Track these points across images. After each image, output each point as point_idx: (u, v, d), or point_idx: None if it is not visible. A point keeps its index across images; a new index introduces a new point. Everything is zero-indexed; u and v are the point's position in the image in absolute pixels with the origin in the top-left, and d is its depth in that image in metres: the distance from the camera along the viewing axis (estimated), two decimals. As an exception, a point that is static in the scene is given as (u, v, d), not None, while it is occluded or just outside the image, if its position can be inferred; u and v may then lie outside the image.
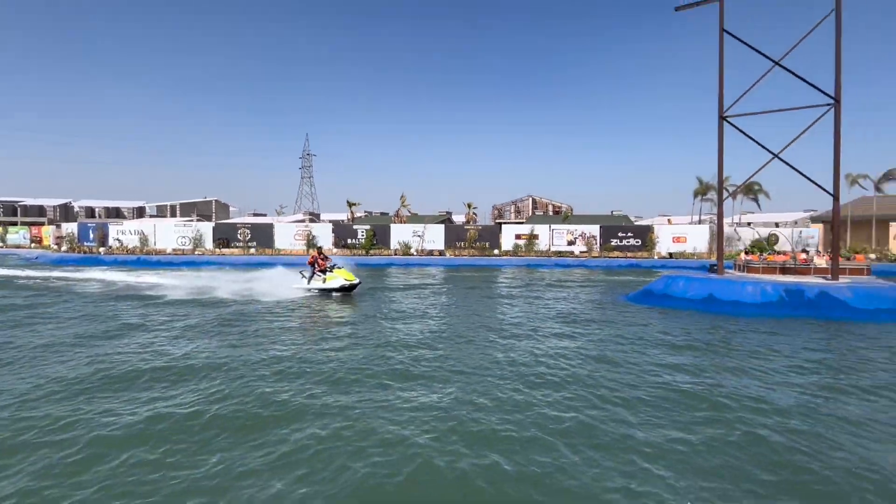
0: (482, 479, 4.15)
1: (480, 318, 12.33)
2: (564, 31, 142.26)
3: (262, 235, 43.52)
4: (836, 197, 15.65)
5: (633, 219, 56.10)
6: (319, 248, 17.93)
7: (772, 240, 38.58)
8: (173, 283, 19.59)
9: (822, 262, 16.53)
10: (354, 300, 15.38)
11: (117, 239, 43.60)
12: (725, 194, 18.28)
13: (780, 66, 16.34)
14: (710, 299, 14.53)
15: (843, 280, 15.13)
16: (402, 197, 51.92)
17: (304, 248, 42.31)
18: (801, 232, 40.11)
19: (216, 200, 73.58)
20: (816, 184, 16.24)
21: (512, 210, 65.47)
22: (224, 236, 43.50)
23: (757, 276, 16.39)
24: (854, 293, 13.31)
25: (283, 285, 17.26)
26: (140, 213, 74.74)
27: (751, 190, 45.46)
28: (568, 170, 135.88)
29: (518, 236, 42.61)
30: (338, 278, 16.15)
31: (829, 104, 15.48)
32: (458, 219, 59.78)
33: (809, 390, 6.64)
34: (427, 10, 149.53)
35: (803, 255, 17.96)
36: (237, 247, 42.95)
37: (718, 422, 5.42)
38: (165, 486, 4.07)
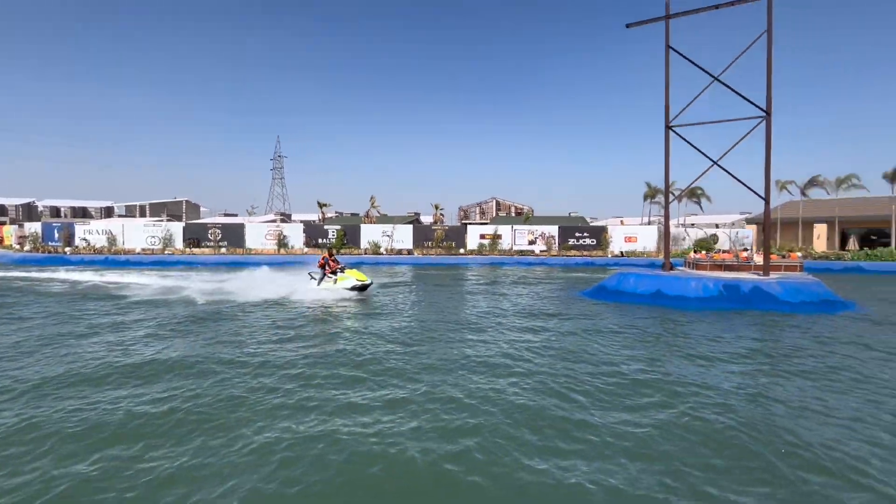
0: (453, 464, 4.12)
1: (448, 313, 12.32)
2: (526, 40, 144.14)
3: (233, 235, 42.19)
4: (767, 201, 16.45)
5: (588, 220, 57.38)
6: (330, 250, 16.83)
7: (712, 239, 40.25)
8: (161, 283, 18.65)
9: (760, 259, 17.37)
10: (367, 300, 14.74)
11: (84, 239, 41.36)
12: (671, 198, 18.92)
13: (719, 80, 17.03)
14: (657, 294, 14.99)
15: (774, 276, 15.91)
16: (371, 198, 51.45)
17: (275, 247, 41.29)
18: (737, 232, 42.01)
19: (186, 201, 70.80)
20: (750, 188, 17.04)
21: (477, 211, 65.84)
22: (194, 236, 41.94)
23: (704, 272, 17.03)
24: (783, 288, 14.01)
25: (273, 284, 16.44)
26: (108, 213, 71.12)
27: (694, 194, 47.26)
28: (529, 173, 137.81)
29: (482, 236, 42.90)
30: (350, 278, 15.27)
31: (761, 116, 16.25)
32: (426, 219, 59.69)
33: (747, 376, 6.93)
34: (395, 13, 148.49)
35: (745, 254, 18.79)
36: (208, 246, 41.48)
37: (668, 406, 5.57)
38: (138, 483, 3.85)
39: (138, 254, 38.96)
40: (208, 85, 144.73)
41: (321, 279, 15.75)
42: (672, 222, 44.14)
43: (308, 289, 15.59)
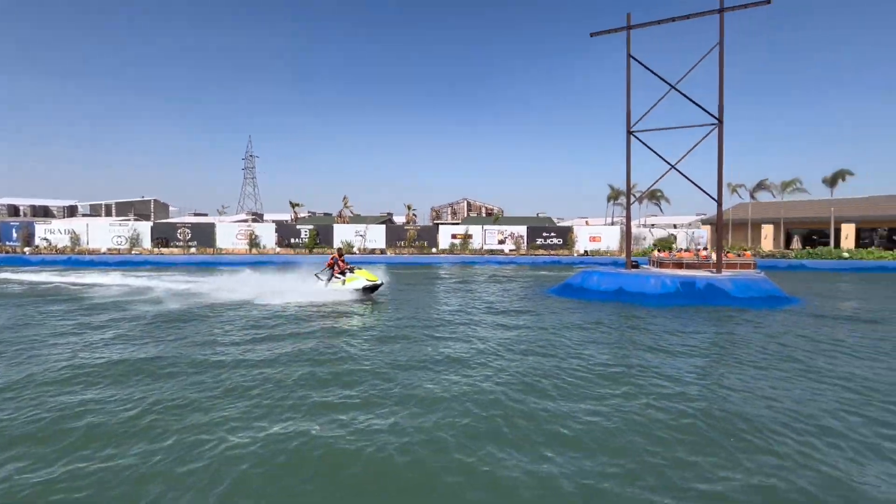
0: (428, 450, 4.09)
1: (422, 311, 12.24)
2: (495, 45, 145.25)
3: (203, 235, 40.87)
4: (719, 203, 17.09)
5: (555, 220, 58.33)
6: (340, 250, 15.72)
7: (671, 239, 41.58)
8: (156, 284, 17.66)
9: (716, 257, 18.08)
10: (373, 300, 14.22)
11: (45, 238, 39.22)
12: (633, 199, 19.36)
13: (676, 89, 17.56)
14: (619, 291, 15.34)
15: (726, 273, 16.54)
16: (344, 198, 50.76)
17: (247, 247, 40.22)
18: (693, 232, 43.53)
19: (155, 200, 68.04)
20: (704, 191, 17.66)
21: (449, 212, 65.97)
22: (163, 236, 40.41)
23: (667, 270, 17.54)
24: (734, 284, 14.56)
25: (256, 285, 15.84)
26: (72, 212, 67.59)
27: (654, 196, 48.71)
28: (500, 174, 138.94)
29: (454, 236, 43.01)
30: (360, 279, 14.38)
31: (713, 124, 16.85)
32: (399, 219, 59.35)
33: (703, 367, 7.15)
34: (367, 15, 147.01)
35: (704, 252, 19.44)
36: (177, 246, 40.04)
37: (633, 397, 5.68)
38: (109, 484, 3.64)
39: (104, 254, 37.23)
40: (177, 82, 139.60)
41: (329, 279, 14.90)
42: (633, 223, 45.49)
43: (313, 290, 14.65)
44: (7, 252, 37.37)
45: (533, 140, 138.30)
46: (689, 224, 51.89)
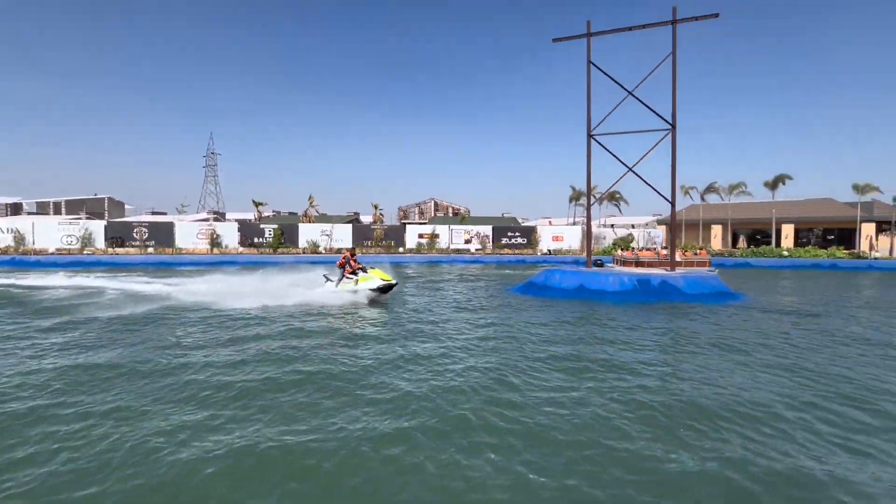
0: (400, 445, 4.09)
1: (389, 310, 12.19)
2: (463, 47, 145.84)
3: (162, 234, 39.12)
4: (672, 204, 17.85)
5: (520, 220, 59.24)
6: (352, 249, 14.84)
7: (629, 238, 43.05)
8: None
9: (677, 256, 18.89)
10: (384, 301, 13.58)
11: (-15, 238, 36.50)
12: (593, 200, 19.96)
13: (633, 95, 18.20)
14: (580, 289, 15.76)
15: (679, 271, 17.30)
16: (310, 197, 49.75)
17: (208, 246, 38.80)
18: (650, 232, 45.22)
19: (109, 198, 64.49)
20: (659, 193, 18.41)
21: (416, 211, 65.85)
22: (118, 235, 38.40)
23: (626, 268, 18.16)
24: (685, 281, 15.26)
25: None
26: (16, 209, 63.11)
27: (613, 197, 50.30)
28: (466, 175, 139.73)
29: (421, 235, 42.98)
30: (374, 279, 13.49)
31: (667, 129, 17.59)
32: (366, 219, 58.72)
33: (658, 358, 7.47)
34: (333, 14, 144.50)
35: (664, 252, 20.25)
36: (133, 246, 38.15)
37: (594, 388, 5.88)
38: (59, 496, 3.46)
39: (52, 254, 35.03)
40: (134, 77, 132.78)
41: (340, 280, 14.01)
42: (594, 223, 46.80)
43: (322, 291, 13.86)
44: (-58, 252, 34.58)
45: (499, 141, 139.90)
46: (646, 224, 53.88)
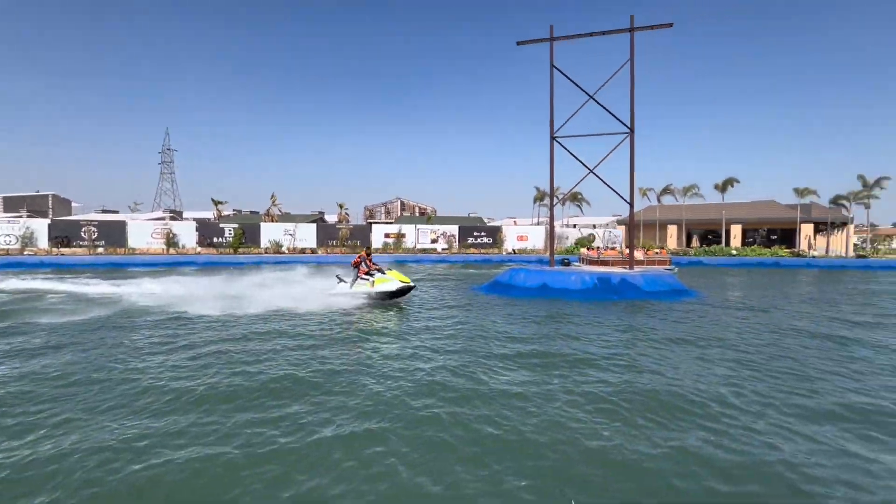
0: (372, 447, 4.05)
1: (355, 310, 12.02)
2: (428, 49, 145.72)
3: (113, 234, 37.08)
4: (631, 205, 18.51)
5: (486, 220, 59.83)
6: (367, 249, 14.02)
7: (590, 238, 44.27)
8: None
9: (639, 255, 19.57)
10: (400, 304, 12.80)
11: None
12: (556, 201, 20.38)
13: (594, 99, 18.74)
14: (544, 287, 16.07)
15: (638, 269, 17.96)
16: (272, 196, 48.46)
17: (164, 246, 37.12)
18: (610, 232, 46.68)
19: (53, 195, 60.61)
20: (618, 194, 19.06)
21: (382, 211, 65.32)
22: (64, 234, 36.11)
23: (588, 267, 18.66)
24: (643, 279, 15.85)
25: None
26: (-55, 207, 58.30)
27: (575, 198, 51.59)
28: (433, 175, 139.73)
29: (387, 235, 42.70)
30: (392, 280, 12.70)
31: (626, 132, 18.20)
32: (331, 218, 57.71)
33: (617, 353, 7.72)
34: (298, 10, 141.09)
35: (628, 251, 20.95)
36: (81, 246, 35.97)
37: (558, 383, 6.02)
38: None
39: (-12, 255, 32.55)
40: (82, 67, 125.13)
41: (354, 281, 13.15)
42: (557, 223, 47.90)
43: (334, 293, 13.14)
44: None
45: (465, 142, 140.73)
46: (607, 224, 55.58)
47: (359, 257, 13.34)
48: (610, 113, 18.43)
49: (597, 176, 19.02)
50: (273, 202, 48.66)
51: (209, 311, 11.16)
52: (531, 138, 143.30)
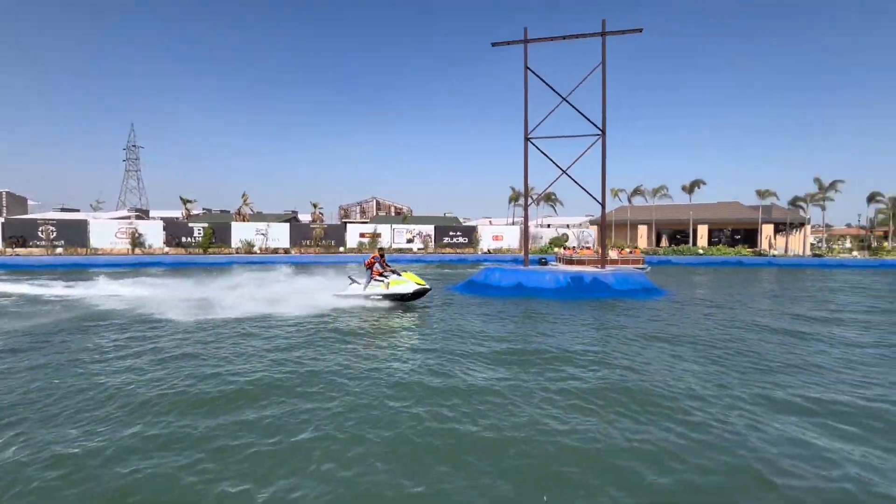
0: (353, 449, 4.00)
1: (328, 310, 11.85)
2: (405, 48, 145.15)
3: (74, 233, 35.49)
4: (603, 205, 18.90)
5: (461, 220, 59.99)
6: (381, 249, 13.67)
7: (563, 238, 44.99)
8: None
9: (615, 254, 19.95)
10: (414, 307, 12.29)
11: None
12: (530, 201, 20.62)
13: (566, 101, 19.05)
14: (519, 287, 16.23)
15: (609, 268, 18.36)
16: (244, 195, 47.31)
17: (129, 246, 35.75)
18: (583, 232, 47.56)
19: (7, 192, 57.45)
20: (591, 194, 19.41)
21: (357, 210, 64.68)
22: (19, 234, 34.33)
23: (562, 266, 18.95)
24: (615, 278, 16.21)
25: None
26: None
27: (549, 198, 52.32)
28: (409, 175, 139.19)
29: (362, 235, 42.34)
30: (408, 282, 12.32)
31: (598, 134, 18.57)
32: (305, 218, 56.77)
33: (590, 349, 7.88)
34: (272, 7, 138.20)
35: (591, 249, 21.38)
36: (39, 246, 34.27)
37: (531, 376, 6.09)
38: None
39: (-65, 255, 30.65)
40: (41, 57, 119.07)
41: (368, 282, 12.77)
42: (532, 223, 48.54)
43: (346, 293, 12.78)
44: None
45: (441, 142, 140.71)
46: (580, 224, 56.63)
47: (372, 258, 12.98)
48: (582, 115, 18.79)
49: (569, 177, 19.36)
50: (245, 201, 47.53)
51: (179, 314, 10.79)
52: (507, 139, 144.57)
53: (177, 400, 5.32)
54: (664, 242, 48.27)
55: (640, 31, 18.17)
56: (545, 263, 19.55)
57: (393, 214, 63.14)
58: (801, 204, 45.42)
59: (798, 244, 46.40)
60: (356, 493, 3.56)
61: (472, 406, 5.21)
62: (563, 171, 19.32)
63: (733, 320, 11.00)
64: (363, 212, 64.15)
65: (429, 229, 43.95)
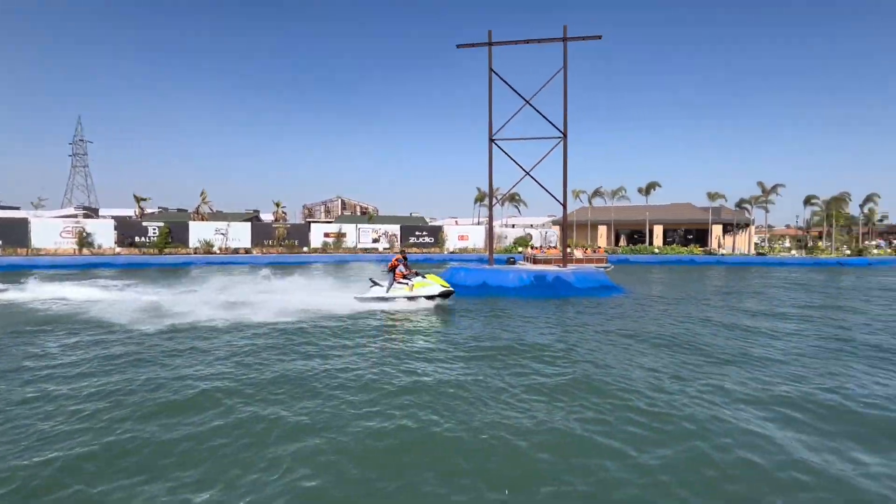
0: (324, 448, 3.90)
1: (293, 310, 11.52)
2: (373, 47, 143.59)
3: (11, 232, 33.03)
4: (564, 206, 19.34)
5: (428, 220, 59.87)
6: (403, 252, 13.58)
7: (527, 237, 45.74)
8: None
9: (579, 253, 20.40)
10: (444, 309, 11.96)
11: None
12: (495, 201, 20.82)
13: (529, 104, 19.35)
14: (483, 285, 16.36)
15: (570, 267, 18.80)
16: (202, 193, 45.37)
17: (76, 246, 33.61)
18: (546, 232, 48.52)
19: (-65, 188, 52.73)
20: (553, 195, 19.86)
21: (322, 210, 63.36)
22: (-51, 233, 31.62)
23: (528, 266, 19.22)
24: (575, 276, 16.61)
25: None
26: None
27: (514, 199, 53.04)
28: (375, 174, 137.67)
29: (327, 234, 41.56)
30: (433, 285, 12.23)
31: (559, 137, 18.98)
32: (267, 217, 55.12)
33: (553, 344, 8.03)
34: (237, 4, 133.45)
35: (567, 249, 21.81)
36: (-28, 246, 31.68)
37: (500, 369, 6.15)
38: None
39: None
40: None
41: (390, 285, 12.53)
42: (496, 223, 49.05)
43: (368, 296, 12.49)
44: None
45: (408, 142, 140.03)
46: (543, 224, 57.71)
47: (395, 260, 12.81)
48: (544, 118, 19.14)
49: (533, 178, 19.70)
50: (203, 199, 45.59)
51: (133, 319, 10.23)
52: (473, 139, 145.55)
53: (128, 413, 5.03)
54: (622, 242, 49.90)
55: (600, 37, 18.69)
56: (513, 262, 19.81)
57: (359, 214, 62.27)
58: (747, 206, 48.03)
59: (744, 243, 49.05)
60: (328, 493, 3.47)
61: (441, 403, 5.21)
62: (527, 173, 19.63)
63: (686, 315, 11.50)
64: (328, 211, 62.93)
65: (395, 229, 43.65)
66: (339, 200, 63.76)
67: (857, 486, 3.60)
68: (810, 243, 50.32)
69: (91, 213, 57.19)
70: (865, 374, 6.47)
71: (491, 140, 19.44)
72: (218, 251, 36.71)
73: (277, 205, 48.31)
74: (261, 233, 39.80)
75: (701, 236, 48.52)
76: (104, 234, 35.18)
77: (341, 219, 55.78)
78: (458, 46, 19.83)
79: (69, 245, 33.90)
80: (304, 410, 4.99)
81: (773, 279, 23.78)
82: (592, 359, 7.19)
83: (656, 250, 42.99)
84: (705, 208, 48.33)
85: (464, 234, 45.71)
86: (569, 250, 22.02)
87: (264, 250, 38.43)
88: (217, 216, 47.71)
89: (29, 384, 5.79)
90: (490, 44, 19.22)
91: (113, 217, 43.10)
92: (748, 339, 8.78)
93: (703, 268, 33.71)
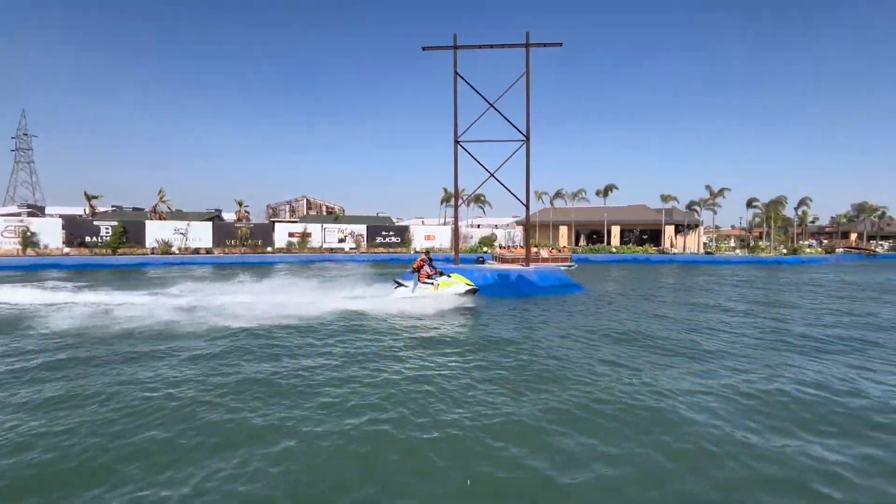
0: (297, 462, 3.83)
1: (259, 310, 11.20)
2: (337, 50, 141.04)
3: (-53, 232, 30.39)
4: (527, 207, 19.71)
5: (394, 220, 59.49)
6: (428, 253, 13.43)
7: (492, 237, 46.29)
8: None
9: (545, 253, 20.75)
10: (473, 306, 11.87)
11: None
12: (461, 202, 20.98)
13: (493, 107, 19.59)
14: (450, 284, 16.47)
15: (532, 266, 19.17)
16: (160, 192, 43.25)
17: (19, 246, 31.32)
18: (510, 232, 49.26)
19: None
20: (516, 196, 20.21)
21: (287, 210, 61.76)
22: None
23: (492, 265, 19.42)
24: (537, 275, 16.97)
25: None
26: None
27: (479, 199, 53.53)
28: (341, 174, 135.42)
29: (291, 234, 40.55)
30: (458, 283, 12.40)
31: (522, 140, 19.32)
32: (229, 217, 53.20)
33: (518, 339, 8.21)
34: (197, 5, 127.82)
35: (534, 249, 22.14)
36: None
37: (467, 364, 6.23)
38: None
39: None
40: None
41: (415, 285, 12.54)
42: (462, 223, 49.38)
43: (394, 297, 12.48)
44: None
45: (375, 143, 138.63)
46: (507, 224, 58.55)
47: (420, 261, 12.84)
48: (508, 121, 19.44)
49: (497, 179, 19.96)
50: (161, 198, 43.46)
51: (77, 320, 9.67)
52: (439, 139, 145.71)
53: (83, 421, 4.78)
54: (582, 242, 51.32)
55: (560, 45, 19.15)
56: (482, 262, 20.01)
57: (325, 214, 61.10)
58: (696, 208, 50.46)
59: (694, 243, 51.51)
60: (312, 488, 3.44)
61: (411, 399, 5.25)
62: (491, 174, 19.86)
63: (642, 311, 12.01)
64: (293, 211, 61.39)
65: (361, 229, 43.14)
66: (305, 200, 62.37)
67: (796, 463, 3.92)
68: (752, 243, 53.42)
69: (36, 211, 53.41)
70: (801, 364, 6.99)
71: (456, 142, 19.56)
72: (177, 251, 35.15)
73: (240, 204, 46.76)
74: (223, 232, 38.39)
75: (655, 236, 50.57)
76: (51, 233, 32.95)
77: (307, 219, 54.56)
78: (423, 49, 19.82)
79: (11, 245, 31.54)
80: (271, 412, 4.90)
81: (719, 276, 25.13)
82: (556, 353, 7.41)
83: (614, 250, 44.47)
84: (659, 210, 50.40)
85: (430, 234, 45.72)
86: (536, 250, 22.45)
87: (226, 250, 37.11)
88: (176, 215, 45.66)
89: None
90: (455, 47, 19.34)
91: (61, 216, 40.43)
92: (697, 333, 9.27)
93: (657, 266, 35.17)
